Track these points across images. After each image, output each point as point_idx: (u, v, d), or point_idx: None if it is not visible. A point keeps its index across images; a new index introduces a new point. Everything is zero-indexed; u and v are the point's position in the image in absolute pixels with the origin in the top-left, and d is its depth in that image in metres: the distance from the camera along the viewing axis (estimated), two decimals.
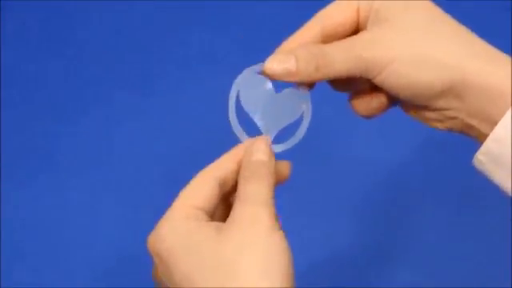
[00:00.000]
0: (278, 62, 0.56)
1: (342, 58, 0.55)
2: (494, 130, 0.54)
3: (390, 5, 0.56)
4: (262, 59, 0.58)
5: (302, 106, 0.57)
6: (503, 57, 0.55)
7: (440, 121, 0.57)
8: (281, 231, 0.52)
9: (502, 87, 0.54)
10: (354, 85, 0.58)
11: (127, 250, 0.83)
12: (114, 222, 0.86)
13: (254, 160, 0.54)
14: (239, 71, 0.55)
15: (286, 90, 0.57)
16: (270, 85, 0.57)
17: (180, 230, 0.52)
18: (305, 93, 0.57)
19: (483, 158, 0.56)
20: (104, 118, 0.94)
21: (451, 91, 0.55)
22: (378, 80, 0.55)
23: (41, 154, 0.92)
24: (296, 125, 0.57)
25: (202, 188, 0.53)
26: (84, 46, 1.00)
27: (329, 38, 0.57)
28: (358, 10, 0.57)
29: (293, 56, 0.56)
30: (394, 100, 0.58)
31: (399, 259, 0.78)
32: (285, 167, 0.56)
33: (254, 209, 0.52)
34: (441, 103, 0.56)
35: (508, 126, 0.54)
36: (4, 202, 0.87)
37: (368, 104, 0.58)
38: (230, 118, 0.57)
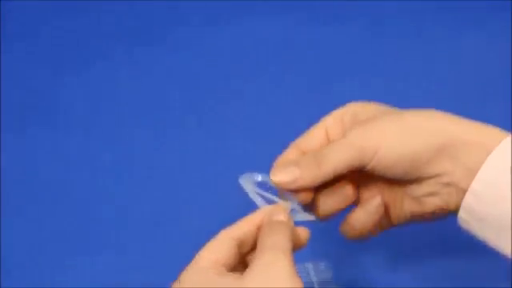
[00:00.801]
0: (281, 171, 0.60)
1: (340, 149, 0.59)
2: (471, 184, 0.57)
3: (365, 106, 0.61)
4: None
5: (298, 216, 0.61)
6: (478, 123, 0.59)
7: (436, 194, 0.59)
8: (299, 279, 0.53)
9: (486, 145, 0.56)
10: (339, 197, 0.61)
11: (129, 210, 0.83)
12: (114, 178, 0.86)
13: (273, 219, 0.57)
14: None
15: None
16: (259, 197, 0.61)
17: (201, 278, 0.54)
18: (287, 206, 0.60)
19: (465, 216, 0.58)
20: (107, 71, 0.95)
21: (444, 152, 0.57)
22: (373, 163, 0.59)
23: (42, 106, 0.92)
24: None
25: (221, 245, 0.55)
26: None
27: None
28: (326, 132, 0.62)
29: (294, 163, 0.60)
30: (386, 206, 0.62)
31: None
32: (303, 233, 0.59)
33: (273, 254, 0.54)
34: (435, 168, 0.58)
35: (484, 180, 0.56)
36: (4, 155, 0.87)
37: (361, 216, 0.62)
38: (251, 196, 0.60)
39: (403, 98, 0.84)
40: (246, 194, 0.61)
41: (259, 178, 0.61)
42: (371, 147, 0.58)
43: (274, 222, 0.57)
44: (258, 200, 0.60)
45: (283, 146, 0.64)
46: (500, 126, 0.58)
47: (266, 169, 0.61)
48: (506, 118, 0.84)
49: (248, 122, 0.90)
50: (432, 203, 0.60)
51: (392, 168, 0.58)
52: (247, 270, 0.53)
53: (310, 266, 0.73)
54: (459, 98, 0.89)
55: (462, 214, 0.58)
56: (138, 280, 0.76)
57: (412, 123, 0.58)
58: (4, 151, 0.88)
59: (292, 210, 0.59)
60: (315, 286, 0.73)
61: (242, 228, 0.57)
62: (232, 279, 0.53)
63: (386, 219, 0.63)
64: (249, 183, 0.61)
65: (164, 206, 0.83)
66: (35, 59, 0.97)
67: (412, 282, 0.76)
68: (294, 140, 0.63)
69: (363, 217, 0.62)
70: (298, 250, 0.58)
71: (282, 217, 0.57)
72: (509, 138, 0.56)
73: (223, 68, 0.95)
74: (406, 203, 0.61)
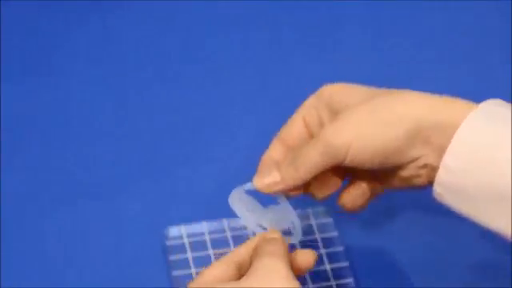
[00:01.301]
0: (263, 177, 0.63)
1: (314, 151, 0.61)
2: (443, 159, 0.59)
3: (340, 89, 0.64)
4: None
5: (290, 216, 0.64)
6: (452, 98, 0.61)
7: (418, 175, 0.62)
8: (297, 282, 0.55)
9: (454, 121, 0.58)
10: (330, 184, 0.65)
11: (128, 157, 0.85)
12: (113, 127, 0.87)
13: (268, 237, 0.61)
14: None
15: (271, 206, 0.65)
16: (257, 202, 0.65)
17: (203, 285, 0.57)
18: (286, 205, 0.64)
19: (440, 190, 0.60)
20: (108, 22, 0.96)
21: (415, 137, 0.60)
22: (349, 158, 0.61)
23: (41, 55, 0.93)
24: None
25: (221, 265, 0.58)
26: None
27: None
28: (304, 120, 0.65)
29: (274, 167, 0.63)
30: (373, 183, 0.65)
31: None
32: (309, 256, 0.62)
33: (270, 260, 0.56)
34: (410, 154, 0.60)
35: (454, 154, 0.58)
36: (4, 104, 0.88)
37: (352, 196, 0.65)
38: (244, 221, 0.65)
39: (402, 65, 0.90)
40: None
41: (247, 186, 0.64)
42: (343, 145, 0.60)
43: (269, 238, 0.61)
44: (256, 228, 0.64)
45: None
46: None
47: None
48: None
49: (249, 93, 0.92)
50: (418, 181, 0.63)
51: (368, 161, 0.61)
52: (245, 276, 0.56)
53: (309, 210, 0.77)
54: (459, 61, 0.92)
55: (436, 189, 0.60)
56: (140, 226, 0.79)
57: (380, 113, 0.60)
58: (4, 99, 0.88)
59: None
60: (314, 228, 0.76)
61: (240, 251, 0.61)
62: (230, 285, 0.56)
63: (378, 191, 0.66)
64: (237, 201, 0.64)
65: (161, 155, 0.85)
66: (36, 8, 0.97)
67: (410, 226, 0.78)
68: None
69: (351, 198, 0.66)
70: (303, 274, 0.61)
71: (275, 235, 0.62)
72: (480, 107, 0.59)
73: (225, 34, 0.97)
74: (395, 181, 0.64)
